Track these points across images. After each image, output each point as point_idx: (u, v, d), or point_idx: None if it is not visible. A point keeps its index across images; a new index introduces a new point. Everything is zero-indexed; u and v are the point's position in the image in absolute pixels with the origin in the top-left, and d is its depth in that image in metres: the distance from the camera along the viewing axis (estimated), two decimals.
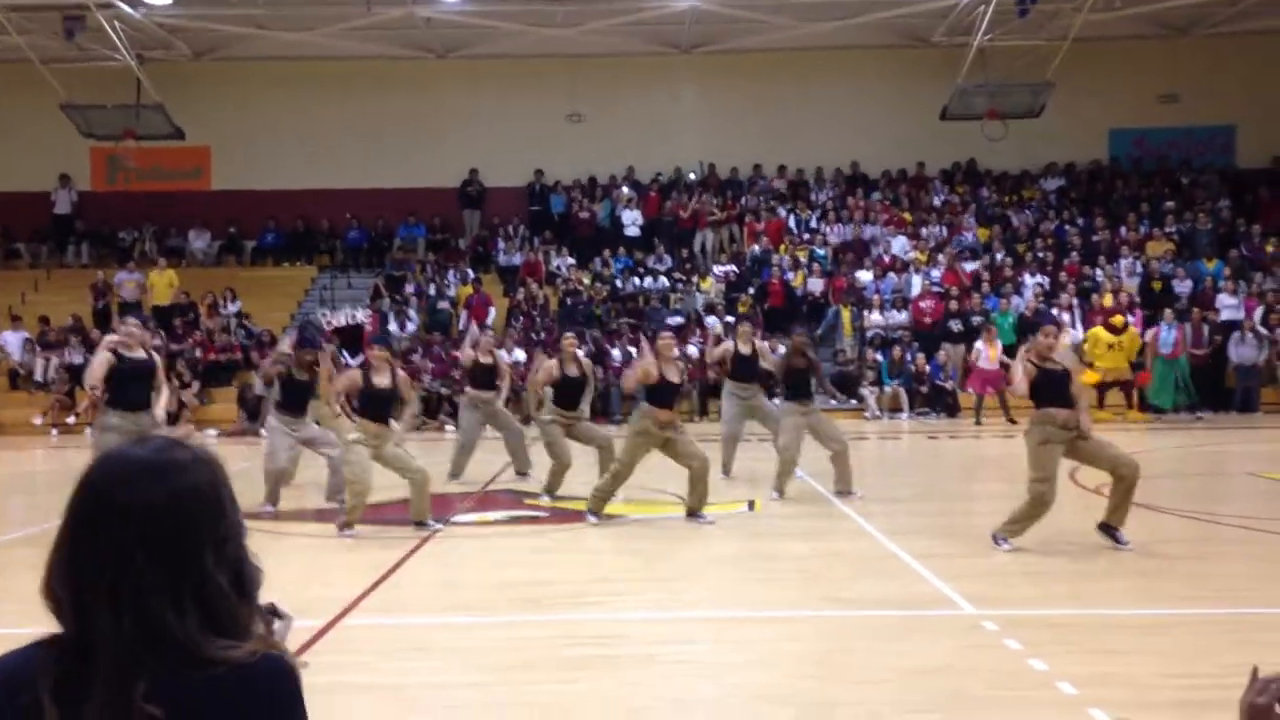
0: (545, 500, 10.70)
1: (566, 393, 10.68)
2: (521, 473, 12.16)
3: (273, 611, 1.54)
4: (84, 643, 1.40)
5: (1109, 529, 7.89)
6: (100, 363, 8.86)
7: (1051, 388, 7.95)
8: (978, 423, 18.59)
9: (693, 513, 9.33)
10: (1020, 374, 8.05)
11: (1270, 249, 22.74)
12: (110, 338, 9.29)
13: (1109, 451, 7.93)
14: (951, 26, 23.25)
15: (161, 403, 8.98)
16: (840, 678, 5.13)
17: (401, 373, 9.49)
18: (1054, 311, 20.40)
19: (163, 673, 1.39)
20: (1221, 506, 10.46)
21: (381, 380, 9.11)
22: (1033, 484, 7.85)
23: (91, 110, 22.14)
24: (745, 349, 11.94)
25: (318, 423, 10.84)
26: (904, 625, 6.04)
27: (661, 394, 9.34)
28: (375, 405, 9.12)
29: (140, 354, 8.87)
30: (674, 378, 9.46)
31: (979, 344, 19.10)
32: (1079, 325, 20.44)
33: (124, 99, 22.04)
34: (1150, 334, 19.73)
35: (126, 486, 1.44)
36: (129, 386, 8.77)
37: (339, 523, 9.03)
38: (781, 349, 11.90)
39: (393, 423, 9.20)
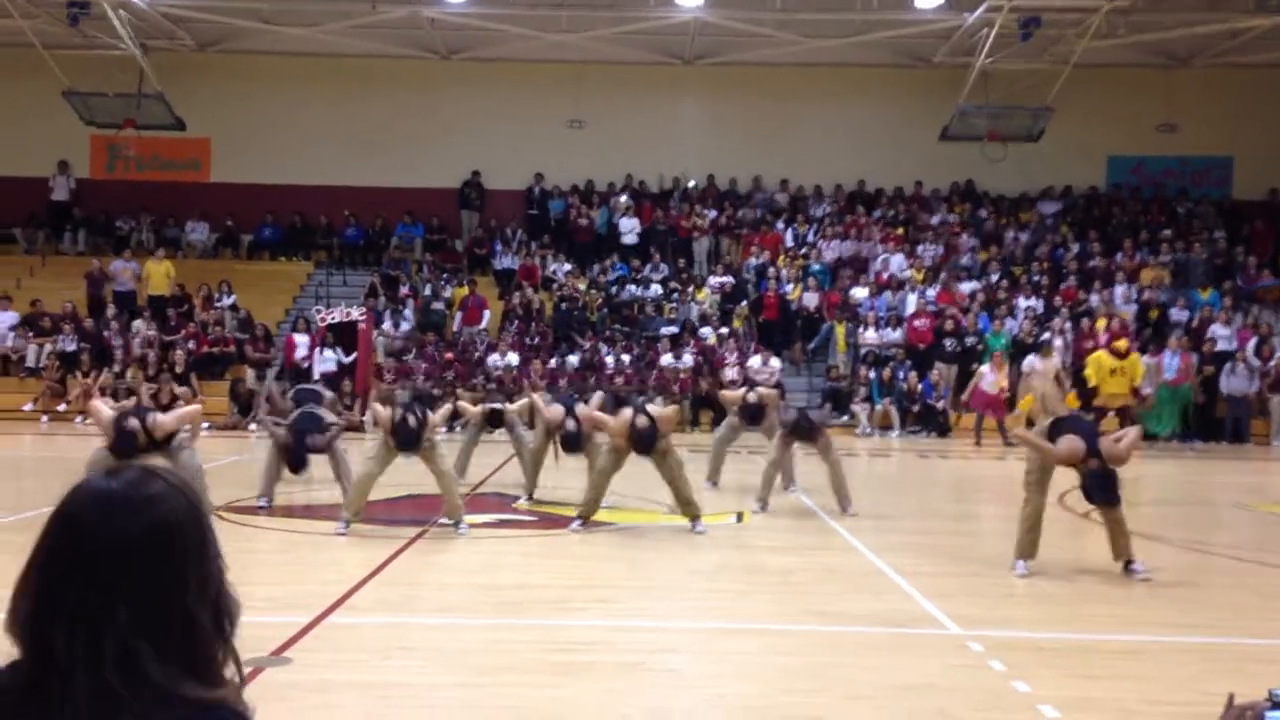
0: (527, 503, 10.79)
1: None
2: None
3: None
4: (44, 681, 1.31)
5: None
6: (103, 414, 8.83)
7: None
8: (978, 443, 18.52)
9: (695, 519, 9.31)
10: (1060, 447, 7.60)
11: (1264, 281, 22.81)
12: (109, 408, 9.14)
13: None
14: (954, 48, 23.34)
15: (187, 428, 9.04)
16: (823, 692, 5.11)
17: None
18: (1045, 335, 20.45)
19: (136, 715, 1.30)
20: (1210, 536, 10.46)
21: None
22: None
23: (93, 98, 22.09)
24: (752, 398, 11.96)
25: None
26: (889, 643, 6.02)
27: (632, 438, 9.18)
28: None
29: (135, 424, 8.62)
30: (641, 425, 9.11)
31: (986, 367, 19.00)
32: (1068, 350, 20.45)
33: (126, 88, 22.00)
34: (1154, 361, 19.68)
35: (103, 522, 1.35)
36: (125, 441, 8.58)
37: (340, 518, 9.01)
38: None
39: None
